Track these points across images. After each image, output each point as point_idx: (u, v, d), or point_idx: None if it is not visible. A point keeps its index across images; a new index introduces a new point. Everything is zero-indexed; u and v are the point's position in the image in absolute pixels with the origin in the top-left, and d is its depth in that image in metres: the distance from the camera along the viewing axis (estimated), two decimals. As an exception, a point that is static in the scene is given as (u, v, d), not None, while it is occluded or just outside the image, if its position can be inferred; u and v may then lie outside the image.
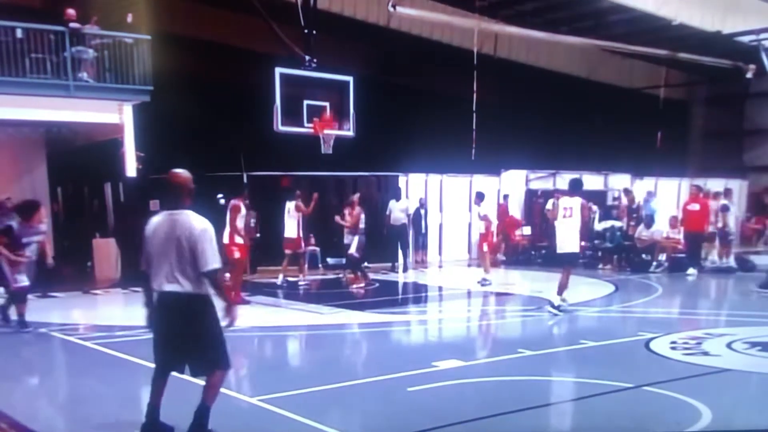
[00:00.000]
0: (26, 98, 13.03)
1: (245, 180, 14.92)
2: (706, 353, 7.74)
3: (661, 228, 16.30)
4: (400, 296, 14.42)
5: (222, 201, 12.88)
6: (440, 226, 19.12)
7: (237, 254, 11.33)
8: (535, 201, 19.23)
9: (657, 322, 9.92)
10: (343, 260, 14.62)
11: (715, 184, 19.07)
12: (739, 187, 21.14)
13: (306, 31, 12.42)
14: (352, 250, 13.59)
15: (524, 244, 18.76)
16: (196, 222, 4.84)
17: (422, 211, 18.15)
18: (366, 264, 14.64)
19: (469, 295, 13.48)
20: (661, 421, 5.55)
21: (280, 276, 13.88)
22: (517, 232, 18.76)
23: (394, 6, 14.39)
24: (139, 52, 14.02)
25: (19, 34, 13.00)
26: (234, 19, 18.41)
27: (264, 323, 10.06)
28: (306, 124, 12.06)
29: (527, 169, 20.28)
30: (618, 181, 20.52)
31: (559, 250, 10.54)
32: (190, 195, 4.97)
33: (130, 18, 13.93)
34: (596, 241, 16.96)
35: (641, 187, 20.08)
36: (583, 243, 11.49)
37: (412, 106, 20.29)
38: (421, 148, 17.97)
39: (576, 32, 18.79)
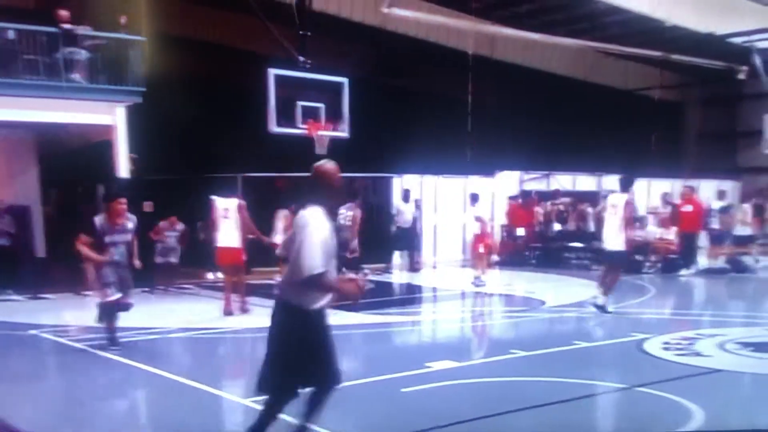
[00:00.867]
0: (18, 99, 12.92)
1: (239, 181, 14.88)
2: (698, 354, 7.76)
3: (653, 229, 16.33)
4: (394, 297, 14.39)
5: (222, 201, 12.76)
6: (434, 227, 19.12)
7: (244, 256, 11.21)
8: (530, 201, 19.16)
9: (650, 323, 9.95)
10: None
11: (708, 186, 19.10)
12: (732, 188, 21.18)
13: (301, 32, 12.42)
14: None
15: (519, 244, 18.71)
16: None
17: (417, 213, 18.14)
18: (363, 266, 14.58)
19: (463, 296, 13.48)
20: (653, 421, 5.56)
21: (277, 277, 13.80)
22: (520, 231, 18.63)
23: (389, 7, 14.40)
24: (132, 53, 13.97)
25: (11, 35, 12.95)
26: (228, 20, 18.42)
27: (259, 324, 9.99)
28: (300, 125, 12.05)
29: (522, 170, 20.25)
30: (612, 183, 20.45)
31: (605, 247, 10.57)
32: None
33: (123, 20, 13.86)
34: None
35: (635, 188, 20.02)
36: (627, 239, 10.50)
37: (408, 108, 20.28)
38: (416, 149, 17.96)
39: (571, 34, 18.85)
